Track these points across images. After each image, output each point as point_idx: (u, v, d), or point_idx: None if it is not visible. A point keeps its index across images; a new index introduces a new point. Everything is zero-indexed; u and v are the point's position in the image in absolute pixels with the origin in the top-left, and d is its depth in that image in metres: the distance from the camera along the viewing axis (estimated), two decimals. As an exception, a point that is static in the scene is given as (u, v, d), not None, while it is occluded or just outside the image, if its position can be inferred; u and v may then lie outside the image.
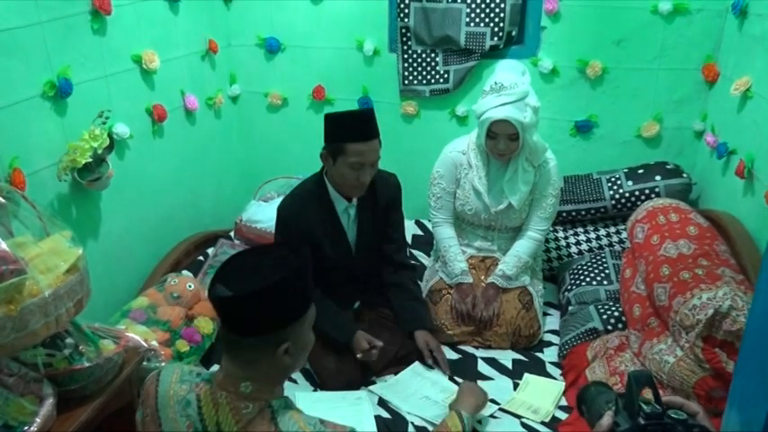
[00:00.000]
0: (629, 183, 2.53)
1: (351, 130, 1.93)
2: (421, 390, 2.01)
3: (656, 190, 2.47)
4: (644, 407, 0.87)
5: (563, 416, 1.89)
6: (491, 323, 2.22)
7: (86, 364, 1.55)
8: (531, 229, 2.31)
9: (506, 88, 2.09)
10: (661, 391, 1.73)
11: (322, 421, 1.21)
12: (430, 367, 2.11)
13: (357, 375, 2.05)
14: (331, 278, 2.09)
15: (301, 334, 1.24)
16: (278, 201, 2.53)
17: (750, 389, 0.95)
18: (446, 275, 2.33)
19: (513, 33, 2.70)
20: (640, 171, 2.56)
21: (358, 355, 2.00)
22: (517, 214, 2.29)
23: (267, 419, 1.18)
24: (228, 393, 1.20)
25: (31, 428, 1.38)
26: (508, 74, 2.14)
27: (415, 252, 2.77)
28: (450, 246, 2.34)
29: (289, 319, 1.20)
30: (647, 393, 0.90)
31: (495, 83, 2.12)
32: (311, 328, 1.28)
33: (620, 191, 2.53)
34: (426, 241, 2.71)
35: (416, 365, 2.12)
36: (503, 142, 2.14)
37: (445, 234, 2.36)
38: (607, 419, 0.90)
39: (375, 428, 1.80)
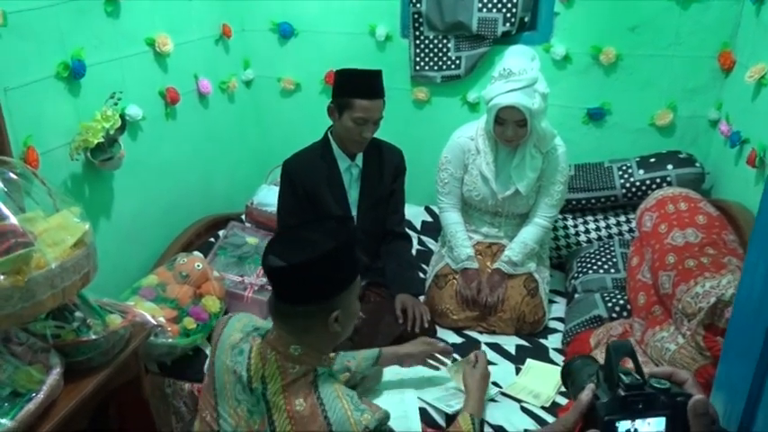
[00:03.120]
0: (641, 171, 2.51)
1: (359, 86, 2.03)
2: (422, 372, 2.02)
3: (668, 179, 2.45)
4: (623, 377, 0.82)
5: (563, 401, 1.89)
6: (496, 309, 2.23)
7: (93, 337, 1.59)
8: (538, 216, 2.31)
9: (515, 74, 2.08)
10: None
11: (359, 396, 1.28)
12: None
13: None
14: None
15: (350, 302, 1.33)
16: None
17: (733, 375, 0.96)
18: (452, 261, 2.34)
19: (526, 19, 2.68)
20: (652, 160, 2.54)
21: None
22: (524, 200, 2.29)
23: (309, 382, 1.27)
24: (278, 353, 1.28)
25: (39, 396, 1.42)
26: (517, 59, 2.13)
27: (424, 238, 2.79)
28: (456, 231, 2.34)
29: (338, 287, 1.28)
30: (628, 364, 0.85)
31: (504, 69, 2.11)
32: (357, 297, 1.36)
33: (631, 179, 2.51)
34: (435, 228, 2.71)
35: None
36: (511, 128, 2.13)
37: (452, 219, 2.37)
38: (587, 393, 0.86)
39: (418, 417, 1.77)
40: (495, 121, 2.15)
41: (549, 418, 1.80)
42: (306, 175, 2.15)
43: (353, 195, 2.23)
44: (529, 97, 2.08)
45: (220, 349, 1.37)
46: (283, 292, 1.28)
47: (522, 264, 2.27)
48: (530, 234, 2.29)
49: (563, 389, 1.95)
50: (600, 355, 1.96)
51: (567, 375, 1.00)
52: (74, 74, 2.03)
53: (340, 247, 1.24)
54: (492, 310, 2.23)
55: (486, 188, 2.29)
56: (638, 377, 0.83)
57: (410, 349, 1.86)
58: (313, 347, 1.30)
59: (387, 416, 1.28)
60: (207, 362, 1.43)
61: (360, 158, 2.20)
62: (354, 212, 2.23)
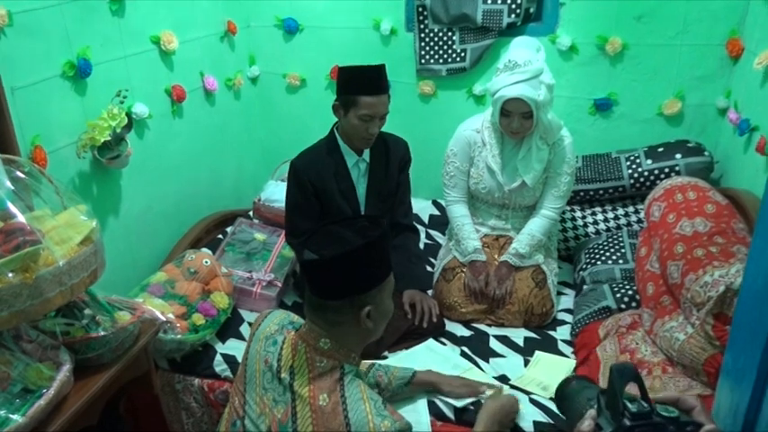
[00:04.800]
0: (649, 161, 2.49)
1: (363, 83, 2.02)
2: (431, 365, 2.02)
3: (676, 168, 2.43)
4: (629, 405, 0.76)
5: (572, 393, 1.89)
6: (504, 301, 2.22)
7: (102, 333, 1.61)
8: (545, 208, 2.30)
9: (520, 66, 2.07)
10: (671, 369, 1.74)
11: (384, 403, 1.29)
12: (443, 344, 2.13)
13: (371, 350, 2.08)
14: None
15: (382, 300, 1.35)
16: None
17: (739, 363, 0.95)
18: (459, 254, 2.34)
19: (531, 10, 2.66)
20: (660, 149, 2.52)
21: None
22: (531, 192, 2.28)
23: (335, 379, 1.29)
24: (308, 345, 1.31)
25: (49, 392, 1.44)
26: (522, 51, 2.12)
27: (432, 232, 2.79)
28: (463, 224, 2.34)
29: (370, 283, 1.31)
30: (633, 389, 0.79)
31: (510, 60, 2.10)
32: (391, 296, 1.38)
33: (639, 169, 2.49)
34: (443, 221, 2.71)
35: (430, 342, 2.14)
36: (516, 120, 2.12)
37: (458, 212, 2.36)
38: (588, 422, 0.79)
39: (428, 417, 1.76)
40: (500, 113, 2.14)
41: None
42: (315, 173, 2.14)
43: (361, 190, 2.23)
44: (534, 89, 2.07)
45: (255, 340, 1.42)
46: (316, 286, 1.32)
47: (529, 256, 2.27)
48: (537, 226, 2.29)
49: (572, 380, 1.95)
50: (609, 346, 1.96)
51: (562, 399, 0.93)
52: (80, 73, 2.04)
53: (371, 245, 1.27)
54: (500, 302, 2.23)
55: (492, 180, 2.29)
56: (645, 404, 0.77)
57: (449, 387, 1.79)
58: (342, 343, 1.33)
59: (409, 427, 1.28)
60: (242, 353, 1.48)
61: (367, 153, 2.20)
62: (363, 207, 2.23)
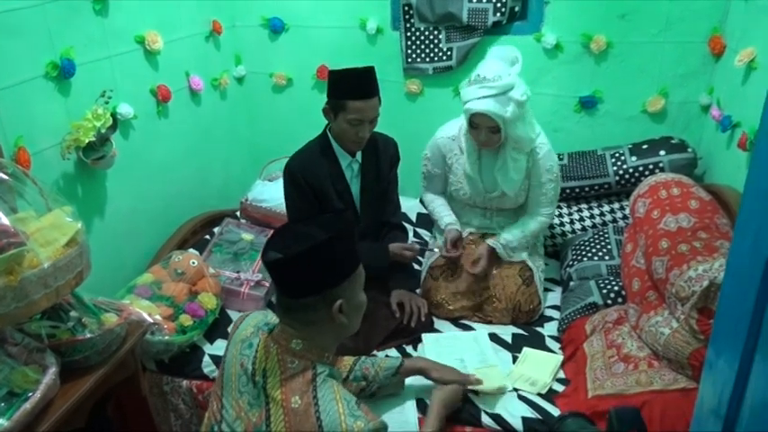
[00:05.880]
0: (633, 158, 2.51)
1: (351, 87, 1.99)
2: (459, 352, 2.04)
3: (661, 165, 2.45)
4: None
5: (560, 388, 1.90)
6: (482, 293, 2.24)
7: (88, 336, 1.60)
8: (537, 212, 2.29)
9: (488, 80, 2.00)
10: (657, 363, 1.76)
11: (357, 403, 1.28)
12: (492, 340, 2.13)
13: (360, 349, 2.08)
14: None
15: (354, 292, 1.35)
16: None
17: (721, 357, 0.96)
18: (439, 234, 2.35)
19: (517, 9, 2.68)
20: (645, 146, 2.54)
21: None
22: (513, 199, 2.28)
23: (307, 380, 1.28)
24: (280, 346, 1.31)
25: (35, 395, 1.43)
26: (494, 64, 2.05)
27: (420, 230, 2.79)
28: (437, 206, 2.38)
29: (339, 277, 1.30)
30: None
31: (478, 74, 2.03)
32: (362, 288, 1.38)
33: (624, 166, 2.52)
34: (431, 220, 2.71)
35: (479, 332, 2.17)
36: (484, 134, 2.09)
37: (433, 198, 2.42)
38: None
39: (416, 416, 1.77)
40: (469, 124, 2.12)
41: (546, 405, 1.81)
42: (311, 174, 2.12)
43: (355, 190, 2.22)
44: (502, 105, 2.00)
45: (232, 343, 1.42)
46: (284, 286, 1.32)
47: (516, 252, 2.28)
48: (529, 227, 2.28)
49: (561, 375, 1.96)
50: (595, 342, 1.98)
51: None
52: (63, 73, 2.02)
53: (335, 238, 1.26)
54: (478, 292, 2.25)
55: (472, 188, 2.29)
56: None
57: (437, 373, 1.79)
58: (315, 343, 1.33)
59: (384, 426, 1.28)
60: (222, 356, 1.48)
61: (359, 154, 2.19)
62: (358, 207, 2.23)
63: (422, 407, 1.79)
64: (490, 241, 2.27)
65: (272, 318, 1.48)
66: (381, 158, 2.24)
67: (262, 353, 1.34)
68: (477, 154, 2.24)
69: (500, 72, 2.01)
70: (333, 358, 1.37)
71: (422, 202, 2.51)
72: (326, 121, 2.13)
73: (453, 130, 2.29)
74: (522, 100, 2.01)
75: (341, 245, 1.29)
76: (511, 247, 2.27)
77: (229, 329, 2.09)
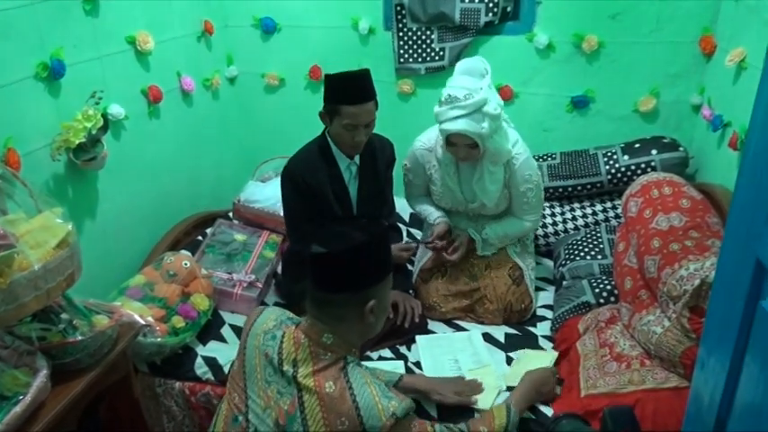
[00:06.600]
0: (625, 157, 2.52)
1: (346, 92, 1.99)
2: (453, 353, 2.05)
3: (652, 164, 2.46)
4: None
5: (557, 389, 1.90)
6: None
7: (79, 338, 1.59)
8: (523, 219, 2.28)
9: (460, 100, 1.96)
10: (649, 362, 1.77)
11: (388, 384, 1.36)
12: (486, 340, 2.14)
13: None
14: None
15: (384, 295, 1.42)
16: (276, 181, 2.56)
17: (713, 355, 0.97)
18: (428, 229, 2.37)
19: (509, 9, 2.68)
20: (636, 146, 2.55)
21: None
22: (494, 209, 2.27)
23: (339, 368, 1.34)
24: (311, 340, 1.36)
25: (26, 398, 1.42)
26: (463, 80, 2.01)
27: (413, 231, 2.79)
28: (423, 205, 2.38)
29: (375, 278, 1.37)
30: None
31: (449, 95, 1.99)
32: (389, 293, 1.45)
33: (616, 165, 2.52)
34: (422, 220, 2.72)
35: (473, 332, 2.18)
36: (463, 150, 2.08)
37: (418, 200, 2.42)
38: None
39: None
40: (446, 142, 2.10)
41: (541, 405, 1.81)
42: (310, 176, 2.11)
43: (353, 192, 2.21)
44: (477, 122, 1.97)
45: (251, 336, 1.45)
46: (323, 280, 1.36)
47: (494, 248, 2.31)
48: (513, 229, 2.28)
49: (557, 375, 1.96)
50: (588, 341, 1.98)
51: None
52: (53, 74, 2.01)
53: (375, 240, 1.35)
54: (469, 292, 2.27)
55: (452, 198, 2.29)
56: None
57: (439, 396, 1.80)
58: (344, 338, 1.38)
59: (413, 406, 1.35)
60: (237, 348, 1.51)
61: (357, 156, 2.17)
62: (355, 209, 2.22)
63: (418, 411, 1.78)
64: (471, 230, 2.29)
65: (292, 314, 1.52)
66: (379, 160, 2.24)
67: (290, 344, 1.38)
68: (454, 166, 2.22)
69: (470, 88, 1.97)
70: (358, 354, 1.43)
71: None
72: (321, 122, 2.13)
73: (431, 140, 2.26)
74: (495, 113, 1.97)
75: (381, 247, 1.38)
76: (489, 243, 2.27)
77: (229, 330, 2.18)
